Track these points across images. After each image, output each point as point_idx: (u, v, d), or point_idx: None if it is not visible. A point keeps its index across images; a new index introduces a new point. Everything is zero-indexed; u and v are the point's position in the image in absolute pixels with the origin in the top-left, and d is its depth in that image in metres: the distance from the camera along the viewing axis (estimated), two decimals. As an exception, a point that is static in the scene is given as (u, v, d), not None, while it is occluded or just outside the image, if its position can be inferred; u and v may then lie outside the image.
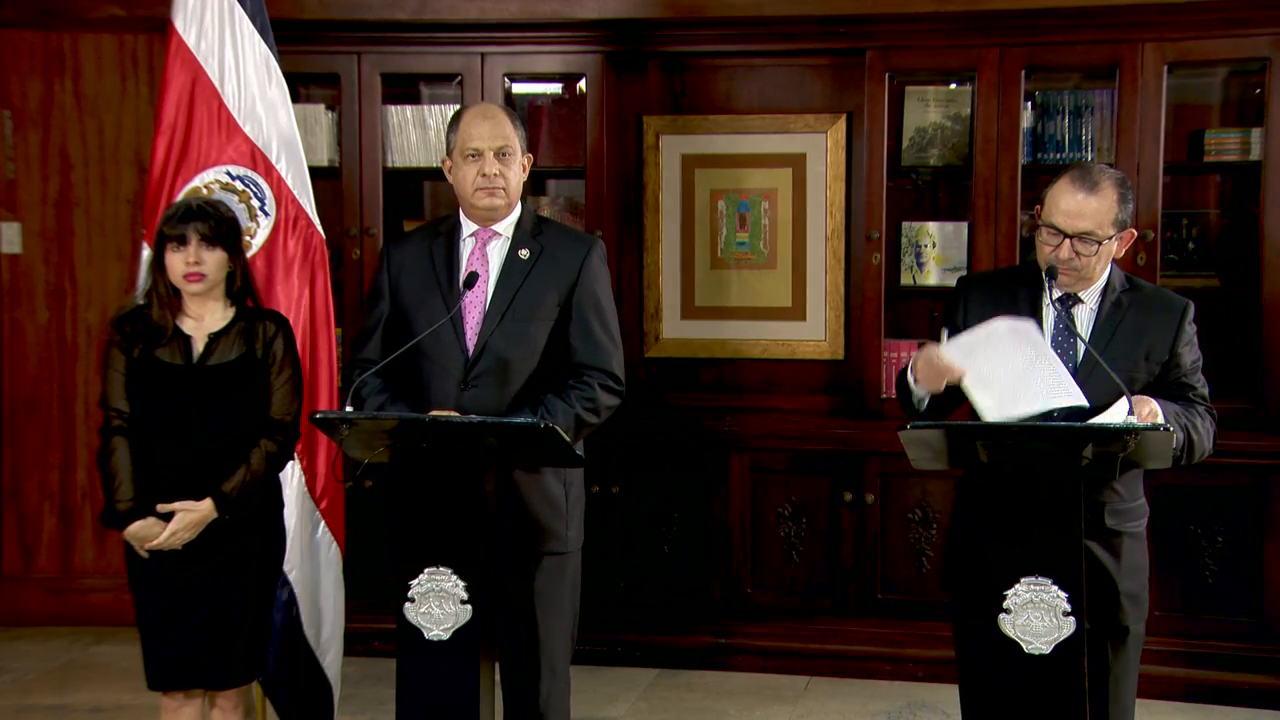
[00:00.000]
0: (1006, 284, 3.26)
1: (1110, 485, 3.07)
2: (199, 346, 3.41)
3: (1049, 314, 3.16)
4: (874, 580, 4.99)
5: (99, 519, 3.49)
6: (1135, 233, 3.18)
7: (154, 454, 3.38)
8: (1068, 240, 3.05)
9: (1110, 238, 3.07)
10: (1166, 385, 3.13)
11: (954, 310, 3.28)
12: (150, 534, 3.34)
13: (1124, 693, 3.19)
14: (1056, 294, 3.15)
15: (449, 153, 3.42)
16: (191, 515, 3.33)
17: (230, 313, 3.46)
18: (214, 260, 3.39)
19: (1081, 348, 3.10)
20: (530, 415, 3.24)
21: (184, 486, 3.34)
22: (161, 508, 3.34)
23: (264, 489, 3.46)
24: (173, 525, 3.33)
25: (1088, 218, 3.04)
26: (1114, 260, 3.17)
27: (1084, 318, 3.14)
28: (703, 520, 5.10)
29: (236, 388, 3.40)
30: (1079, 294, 3.14)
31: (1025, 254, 4.68)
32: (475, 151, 3.35)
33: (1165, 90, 4.67)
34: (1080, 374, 3.08)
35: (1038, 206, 3.17)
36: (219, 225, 3.39)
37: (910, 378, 3.14)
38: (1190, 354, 3.17)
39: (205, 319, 3.44)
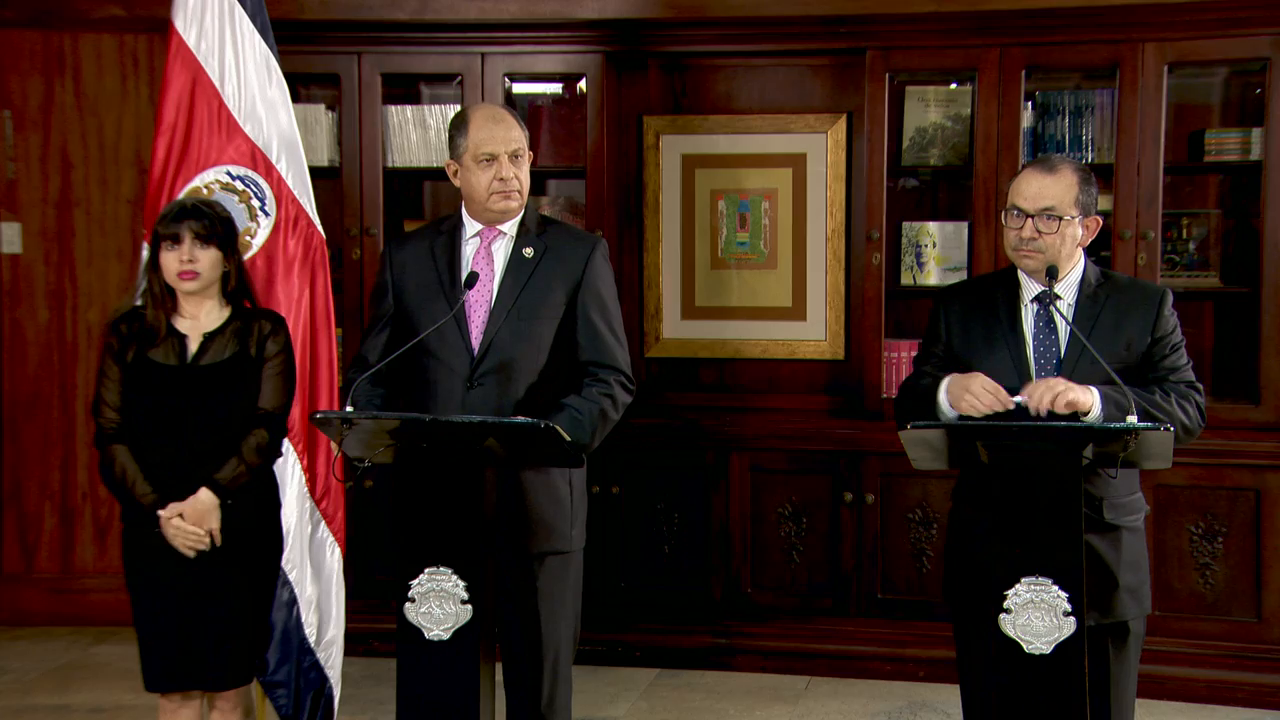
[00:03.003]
0: (983, 291, 3.29)
1: (1108, 480, 3.08)
2: (193, 346, 3.41)
3: (1027, 313, 3.19)
4: (874, 580, 4.99)
5: (123, 522, 3.47)
6: (1100, 220, 3.21)
7: (149, 453, 3.37)
8: (1030, 219, 3.11)
9: (1073, 218, 3.11)
10: (1150, 371, 3.15)
11: (935, 325, 3.31)
12: (175, 516, 3.32)
13: (1124, 693, 3.20)
14: (1033, 293, 3.18)
15: (455, 156, 3.38)
16: (195, 508, 3.31)
17: (226, 312, 3.45)
18: (208, 259, 3.38)
19: (1064, 344, 3.14)
20: (555, 415, 3.22)
21: (179, 485, 3.33)
22: (172, 506, 3.32)
23: (262, 489, 3.46)
24: (182, 508, 3.30)
25: (1048, 196, 3.11)
26: (1086, 255, 3.21)
27: (1062, 314, 3.16)
28: (703, 520, 5.10)
29: (230, 387, 3.40)
30: (1055, 290, 3.15)
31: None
32: (490, 156, 3.32)
33: (1165, 90, 4.67)
34: (1065, 368, 3.11)
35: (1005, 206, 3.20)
36: (213, 224, 3.38)
37: (943, 398, 3.10)
38: (1171, 340, 3.19)
39: (201, 318, 3.43)
